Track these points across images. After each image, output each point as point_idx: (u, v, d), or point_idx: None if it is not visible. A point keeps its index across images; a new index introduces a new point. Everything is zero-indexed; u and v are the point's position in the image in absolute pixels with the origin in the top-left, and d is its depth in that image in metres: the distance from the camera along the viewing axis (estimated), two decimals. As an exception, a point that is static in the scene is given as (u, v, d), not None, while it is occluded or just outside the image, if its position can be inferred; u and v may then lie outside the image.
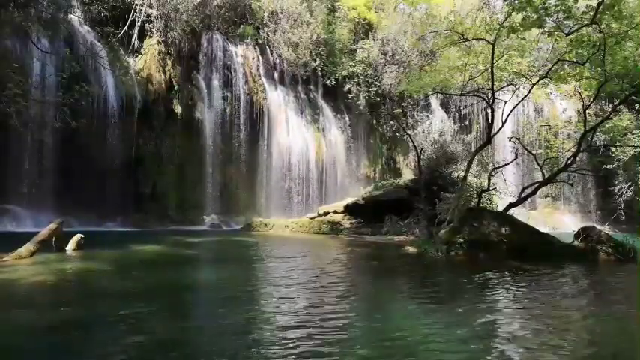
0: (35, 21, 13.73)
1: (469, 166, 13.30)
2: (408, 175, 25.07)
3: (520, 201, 12.67)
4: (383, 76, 26.25)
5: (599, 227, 12.52)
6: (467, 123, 28.66)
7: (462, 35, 12.58)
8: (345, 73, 25.81)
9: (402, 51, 26.12)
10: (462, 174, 14.20)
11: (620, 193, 22.32)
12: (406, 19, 27.28)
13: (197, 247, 12.25)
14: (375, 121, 27.75)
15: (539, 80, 13.12)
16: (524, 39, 12.71)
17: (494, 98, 12.76)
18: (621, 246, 10.08)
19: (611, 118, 14.74)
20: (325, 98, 26.51)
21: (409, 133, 19.82)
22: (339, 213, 18.44)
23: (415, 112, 27.19)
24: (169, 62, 20.43)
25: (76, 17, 17.77)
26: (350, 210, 18.26)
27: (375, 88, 26.38)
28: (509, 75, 13.68)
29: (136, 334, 4.03)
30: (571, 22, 11.20)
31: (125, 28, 19.24)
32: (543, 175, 13.78)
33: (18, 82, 12.06)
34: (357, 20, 27.07)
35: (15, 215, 15.05)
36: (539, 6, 10.41)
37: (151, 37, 20.05)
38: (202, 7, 21.55)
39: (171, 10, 20.07)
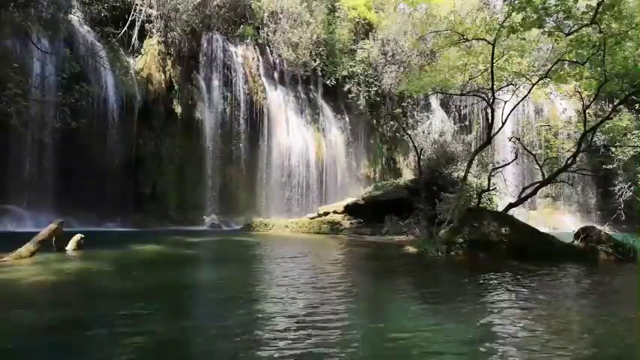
0: (35, 21, 13.73)
1: (469, 166, 13.30)
2: (408, 175, 25.07)
3: (520, 201, 12.67)
4: (383, 76, 26.25)
5: (599, 227, 12.52)
6: (467, 123, 28.66)
7: (462, 35, 12.58)
8: (345, 73, 25.81)
9: (402, 51, 26.12)
10: (462, 174, 14.20)
11: (620, 193, 22.32)
12: (406, 19, 27.28)
13: (197, 247, 12.25)
14: (375, 121, 27.75)
15: (539, 80, 13.13)
16: (524, 39, 12.71)
17: (494, 98, 12.76)
18: (621, 246, 10.08)
19: (611, 118, 14.75)
20: (325, 98, 26.51)
21: (409, 133, 19.83)
22: (339, 213, 18.44)
23: (415, 112, 27.20)
24: (169, 62, 20.43)
25: (76, 17, 17.77)
26: (350, 210, 18.26)
27: (375, 88, 26.38)
28: (509, 75, 13.68)
29: (136, 334, 4.03)
30: (571, 22, 11.20)
31: (125, 28, 19.24)
32: (543, 175, 13.78)
33: (18, 82, 12.05)
34: (357, 20, 27.07)
35: (15, 215, 15.05)
36: (539, 6, 10.41)
37: (151, 37, 20.05)
38: (202, 7, 21.54)
39: (171, 10, 20.07)
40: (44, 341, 3.91)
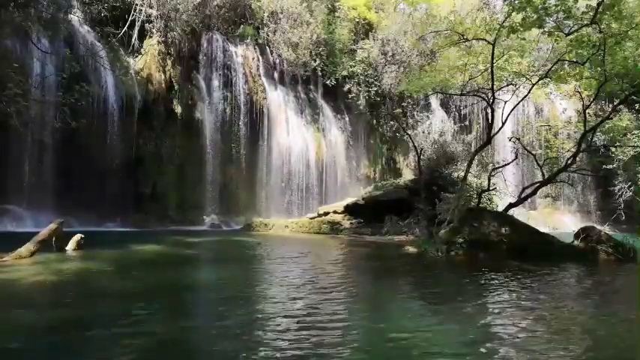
0: (35, 21, 13.72)
1: (469, 166, 13.30)
2: (408, 175, 25.07)
3: (520, 201, 12.67)
4: (383, 76, 26.24)
5: (599, 227, 12.52)
6: (467, 123, 28.66)
7: (462, 35, 12.58)
8: (345, 73, 25.81)
9: (402, 51, 26.12)
10: (462, 174, 14.20)
11: (620, 193, 22.32)
12: (406, 19, 27.28)
13: (197, 247, 12.25)
14: (375, 121, 27.75)
15: (539, 80, 13.13)
16: (524, 39, 12.71)
17: (494, 98, 12.76)
18: (621, 246, 10.08)
19: (611, 118, 14.75)
20: (325, 98, 26.51)
21: (409, 133, 19.83)
22: (339, 213, 18.44)
23: (415, 112, 27.19)
24: (169, 62, 20.43)
25: (76, 17, 17.76)
26: (350, 210, 18.25)
27: (375, 88, 26.38)
28: (509, 75, 13.69)
29: (136, 334, 4.03)
30: (571, 22, 11.20)
31: (125, 28, 19.24)
32: (543, 175, 13.79)
33: (18, 82, 12.05)
34: (357, 20, 27.07)
35: (15, 215, 15.05)
36: (539, 6, 10.41)
37: (151, 37, 20.05)
38: (202, 7, 21.54)
39: (171, 10, 20.07)
40: (44, 341, 3.91)
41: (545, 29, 11.16)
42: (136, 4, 19.43)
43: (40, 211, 14.91)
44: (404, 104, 26.97)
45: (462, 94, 16.25)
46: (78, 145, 16.04)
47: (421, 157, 15.78)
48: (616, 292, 7.18)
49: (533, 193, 14.20)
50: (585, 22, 10.51)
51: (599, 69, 11.39)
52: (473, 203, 14.23)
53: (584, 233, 10.62)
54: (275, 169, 23.12)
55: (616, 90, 13.04)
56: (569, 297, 6.39)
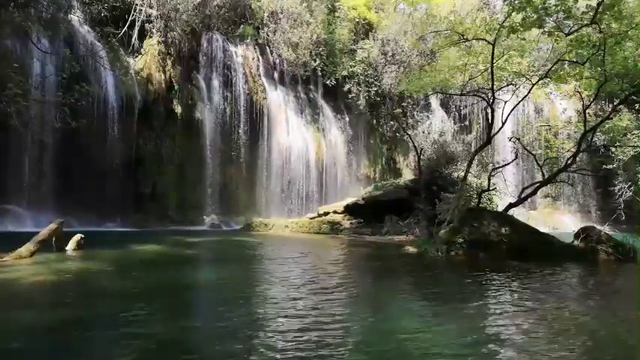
0: (35, 21, 13.72)
1: (469, 166, 13.30)
2: (408, 175, 25.06)
3: (520, 201, 12.68)
4: (383, 76, 26.24)
5: (599, 227, 12.51)
6: (467, 123, 28.66)
7: (462, 35, 12.58)
8: (345, 73, 25.80)
9: (402, 51, 26.11)
10: (462, 174, 14.20)
11: (620, 193, 22.31)
12: (406, 19, 27.27)
13: (197, 247, 12.25)
14: (375, 121, 27.75)
15: (539, 80, 13.13)
16: (524, 39, 12.71)
17: (494, 98, 12.77)
18: (621, 246, 10.09)
19: (611, 118, 14.74)
20: (325, 98, 26.51)
21: (409, 133, 19.83)
22: (339, 213, 18.44)
23: (415, 112, 27.19)
24: (169, 62, 20.43)
25: (76, 17, 17.76)
26: (350, 210, 18.25)
27: (375, 88, 26.37)
28: (509, 75, 13.69)
29: (136, 335, 4.02)
30: (571, 22, 11.20)
31: (125, 28, 19.24)
32: (543, 175, 13.79)
33: (18, 82, 12.05)
34: (357, 20, 27.06)
35: (15, 215, 15.04)
36: (539, 6, 10.41)
37: (151, 37, 20.05)
38: (202, 7, 21.54)
39: (171, 10, 20.07)
40: (44, 341, 3.91)
41: (545, 29, 11.16)
42: (136, 4, 19.43)
43: (40, 211, 14.91)
44: (404, 104, 26.97)
45: (462, 94, 16.25)
46: (78, 145, 16.04)
47: (421, 157, 15.78)
48: (616, 292, 7.18)
49: (533, 193, 14.20)
50: (585, 22, 10.51)
51: (599, 69, 11.39)
52: (473, 203, 14.24)
53: (584, 233, 10.63)
54: (275, 169, 23.11)
55: (616, 90, 13.04)
56: (570, 297, 6.38)
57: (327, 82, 25.60)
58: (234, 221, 20.43)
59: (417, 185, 16.03)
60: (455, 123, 27.50)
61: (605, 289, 7.31)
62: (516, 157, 14.90)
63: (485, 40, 12.30)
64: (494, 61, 11.89)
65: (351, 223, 17.48)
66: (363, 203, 18.06)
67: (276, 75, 24.59)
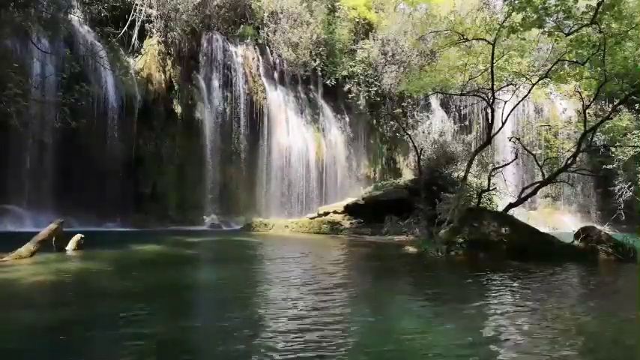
0: (35, 21, 13.72)
1: (469, 166, 13.30)
2: (408, 175, 25.07)
3: (520, 201, 12.68)
4: (383, 76, 26.23)
5: (599, 227, 12.52)
6: (467, 123, 28.66)
7: (462, 35, 12.58)
8: (345, 73, 25.80)
9: (402, 51, 26.11)
10: (462, 174, 14.20)
11: (620, 193, 22.31)
12: (406, 19, 27.26)
13: (197, 247, 12.25)
14: (375, 121, 27.75)
15: (539, 80, 13.13)
16: (524, 39, 12.71)
17: (494, 98, 12.77)
18: (621, 246, 10.09)
19: (611, 118, 14.74)
20: (325, 98, 26.51)
21: (409, 133, 19.82)
22: (339, 213, 18.44)
23: (415, 112, 27.19)
24: (169, 62, 20.43)
25: (76, 17, 17.76)
26: (350, 210, 18.25)
27: (375, 88, 26.37)
28: (509, 75, 13.69)
29: (136, 334, 4.02)
30: (571, 22, 11.20)
31: (125, 28, 19.24)
32: (543, 175, 13.79)
33: (18, 82, 12.04)
34: (357, 20, 27.06)
35: (15, 215, 15.05)
36: (539, 6, 10.41)
37: (151, 37, 20.05)
38: (202, 7, 21.54)
39: (171, 10, 20.07)
40: (44, 341, 3.91)
41: (545, 29, 11.16)
42: (136, 4, 19.43)
43: (40, 211, 14.91)
44: (404, 104, 26.97)
45: (462, 94, 16.25)
46: (78, 145, 16.04)
47: (421, 157, 15.78)
48: (616, 292, 7.18)
49: (533, 193, 14.20)
50: (585, 22, 10.51)
51: (599, 69, 11.39)
52: (473, 203, 14.24)
53: (584, 233, 10.63)
54: (275, 169, 23.11)
55: (616, 90, 13.04)
56: (570, 297, 6.38)
57: (327, 82, 25.60)
58: (234, 221, 20.44)
59: (417, 185, 16.03)
60: (455, 123, 27.51)
61: (605, 289, 7.30)
62: (516, 157, 14.90)
63: (485, 40, 12.30)
64: (494, 61, 11.89)
65: (351, 223, 17.48)
66: (363, 203, 18.06)
67: (276, 75, 24.59)
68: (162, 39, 20.19)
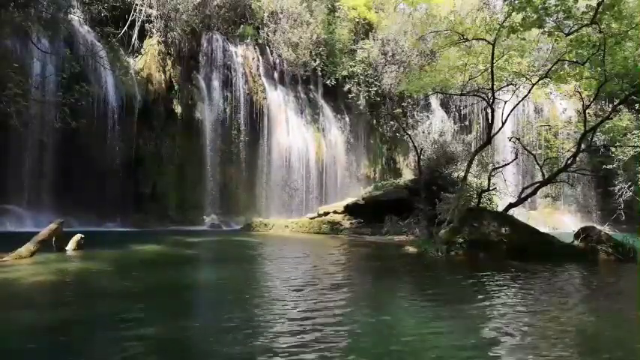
0: (35, 21, 13.72)
1: (469, 166, 13.30)
2: (408, 175, 25.07)
3: (520, 201, 12.68)
4: (383, 76, 26.24)
5: (599, 227, 12.53)
6: (467, 123, 28.67)
7: (462, 35, 12.58)
8: (345, 73, 25.80)
9: (402, 51, 26.11)
10: (462, 174, 14.20)
11: (620, 193, 22.31)
12: (406, 19, 27.27)
13: (197, 247, 12.24)
14: (375, 121, 27.75)
15: (539, 80, 13.13)
16: (524, 39, 12.71)
17: (494, 98, 12.77)
18: (621, 246, 10.09)
19: (611, 118, 14.75)
20: (325, 98, 26.51)
21: (409, 133, 19.82)
22: (339, 213, 18.44)
23: (415, 112, 27.19)
24: (169, 62, 20.43)
25: (76, 17, 17.76)
26: (350, 210, 18.25)
27: (375, 88, 26.37)
28: (509, 75, 13.69)
29: (136, 335, 4.02)
30: (571, 22, 11.20)
31: (125, 28, 19.24)
32: (543, 175, 13.80)
33: (18, 82, 12.04)
34: (357, 20, 27.06)
35: (15, 215, 15.04)
36: (539, 6, 10.41)
37: (151, 37, 20.05)
38: (202, 7, 21.54)
39: (171, 10, 20.07)
40: (44, 341, 3.91)
41: (545, 29, 11.16)
42: (136, 4, 19.43)
43: (40, 211, 14.91)
44: (404, 104, 26.97)
45: (462, 94, 16.26)
46: (78, 145, 16.04)
47: (421, 157, 15.78)
48: (617, 292, 7.18)
49: (533, 193, 14.21)
50: (585, 22, 10.51)
51: (599, 69, 11.40)
52: (473, 203, 14.24)
53: (584, 233, 10.63)
54: (275, 169, 23.11)
55: (616, 90, 13.05)
56: (570, 297, 6.38)
57: (327, 82, 25.60)
58: (234, 221, 20.44)
59: (417, 185, 16.03)
60: (455, 123, 27.51)
61: (605, 290, 7.30)
62: (516, 157, 14.92)
63: (485, 40, 12.30)
64: (495, 61, 11.89)
65: (351, 223, 17.48)
66: (363, 203, 18.06)
67: (276, 75, 24.59)
68: (162, 39, 20.19)
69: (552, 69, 12.68)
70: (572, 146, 22.27)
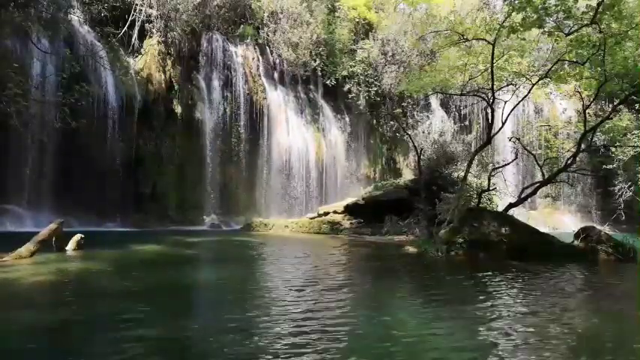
0: (35, 21, 13.72)
1: (469, 166, 13.30)
2: (408, 175, 25.06)
3: (520, 201, 12.68)
4: (383, 76, 26.23)
5: (599, 227, 12.53)
6: (467, 123, 28.67)
7: (462, 35, 12.58)
8: (345, 73, 25.80)
9: (402, 51, 26.10)
10: (462, 174, 14.20)
11: (620, 193, 22.32)
12: (406, 19, 27.26)
13: (197, 247, 12.24)
14: (375, 121, 27.74)
15: (539, 80, 13.13)
16: (524, 39, 12.71)
17: (494, 98, 12.77)
18: (621, 246, 10.09)
19: (611, 118, 14.75)
20: (325, 98, 26.51)
21: (409, 133, 19.82)
22: (339, 213, 18.43)
23: (415, 112, 27.18)
24: (169, 62, 20.43)
25: (76, 17, 17.76)
26: (350, 210, 18.25)
27: (375, 88, 26.37)
28: (509, 75, 13.69)
29: (136, 335, 4.02)
30: (571, 22, 11.20)
31: (125, 28, 19.24)
32: (543, 175, 13.79)
33: (18, 82, 12.05)
34: (357, 20, 27.05)
35: (15, 215, 15.04)
36: (539, 6, 10.41)
37: (151, 37, 20.05)
38: (202, 7, 21.54)
39: (171, 10, 20.06)
40: (44, 341, 3.91)
41: (545, 29, 11.16)
42: (136, 4, 19.43)
43: (40, 211, 14.92)
44: (404, 104, 26.96)
45: (462, 94, 16.26)
46: (78, 145, 16.04)
47: (421, 157, 15.77)
48: (617, 292, 7.17)
49: (533, 193, 14.21)
50: (585, 22, 10.51)
51: (599, 69, 11.40)
52: (473, 203, 14.23)
53: (584, 233, 10.63)
54: (275, 169, 23.11)
55: (616, 90, 13.05)
56: (571, 298, 6.38)
57: (327, 82, 25.60)
58: (234, 221, 20.43)
59: (417, 185, 16.02)
60: (455, 123, 27.50)
61: (605, 290, 7.30)
62: (516, 157, 14.91)
63: (486, 40, 12.30)
64: (494, 61, 11.89)
65: (351, 223, 17.48)
66: (363, 203, 18.05)
67: (276, 75, 24.59)
68: (162, 39, 20.19)
69: (552, 69, 12.69)
70: (572, 146, 22.27)
